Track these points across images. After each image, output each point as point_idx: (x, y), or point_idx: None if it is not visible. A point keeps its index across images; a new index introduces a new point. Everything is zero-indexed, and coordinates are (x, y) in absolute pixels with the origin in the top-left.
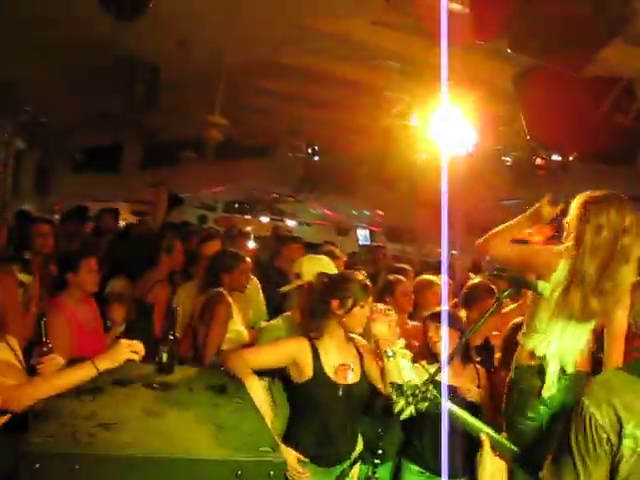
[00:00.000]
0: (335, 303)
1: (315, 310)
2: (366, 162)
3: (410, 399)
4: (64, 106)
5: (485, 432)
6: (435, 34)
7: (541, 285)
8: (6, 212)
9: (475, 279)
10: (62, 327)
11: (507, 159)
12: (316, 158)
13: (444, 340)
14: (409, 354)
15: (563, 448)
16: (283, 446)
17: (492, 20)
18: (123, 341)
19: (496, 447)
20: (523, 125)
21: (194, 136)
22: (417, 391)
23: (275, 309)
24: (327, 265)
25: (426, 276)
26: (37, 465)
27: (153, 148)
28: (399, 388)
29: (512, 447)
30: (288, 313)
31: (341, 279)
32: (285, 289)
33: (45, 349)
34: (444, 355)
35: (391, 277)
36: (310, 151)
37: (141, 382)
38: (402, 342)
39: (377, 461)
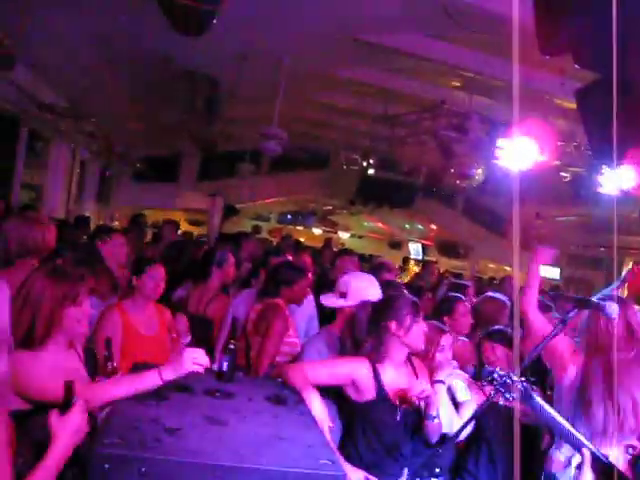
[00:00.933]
0: (393, 324)
1: (374, 333)
2: (422, 176)
3: (499, 386)
4: (127, 117)
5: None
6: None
7: (610, 307)
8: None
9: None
10: (116, 329)
11: (565, 175)
12: (371, 171)
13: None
14: (463, 374)
15: None
16: (350, 466)
17: (558, 34)
18: (188, 351)
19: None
20: (584, 139)
21: (251, 148)
22: (508, 379)
23: (324, 322)
24: (373, 291)
25: (492, 294)
26: (107, 466)
27: (211, 159)
28: (490, 373)
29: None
30: (328, 327)
31: (393, 300)
32: (329, 305)
33: (110, 368)
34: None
35: (451, 296)
36: (365, 164)
37: (202, 389)
38: (454, 364)
39: None
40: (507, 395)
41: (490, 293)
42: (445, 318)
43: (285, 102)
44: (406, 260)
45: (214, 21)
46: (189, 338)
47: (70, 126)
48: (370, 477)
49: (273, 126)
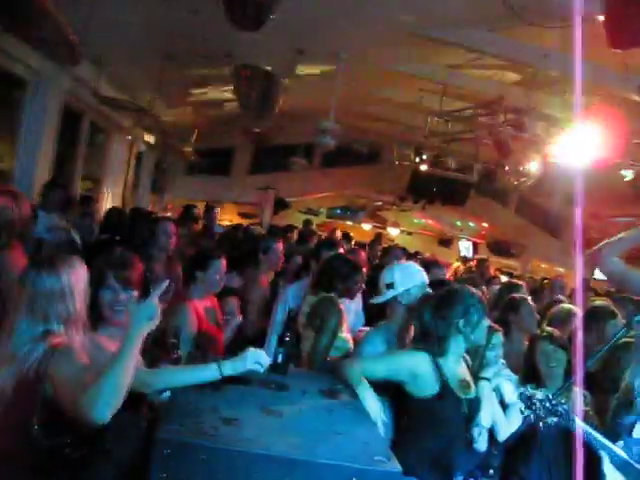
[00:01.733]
0: (462, 322)
1: (439, 329)
2: (476, 173)
3: (540, 411)
4: (182, 111)
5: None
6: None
7: None
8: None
9: (597, 301)
10: (190, 321)
11: (626, 174)
12: (424, 167)
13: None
14: (513, 376)
15: None
16: None
17: (630, 27)
18: (250, 350)
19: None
20: None
21: (304, 142)
22: (548, 404)
23: (371, 316)
24: (419, 274)
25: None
26: (168, 451)
27: (263, 153)
28: (529, 399)
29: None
30: (384, 322)
31: (463, 296)
32: (377, 301)
33: (175, 356)
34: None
35: (517, 295)
36: (418, 160)
37: (257, 381)
38: (503, 363)
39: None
40: (549, 420)
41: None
42: (511, 317)
43: (340, 96)
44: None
45: (271, 16)
46: (240, 318)
47: (129, 120)
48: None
49: (329, 120)
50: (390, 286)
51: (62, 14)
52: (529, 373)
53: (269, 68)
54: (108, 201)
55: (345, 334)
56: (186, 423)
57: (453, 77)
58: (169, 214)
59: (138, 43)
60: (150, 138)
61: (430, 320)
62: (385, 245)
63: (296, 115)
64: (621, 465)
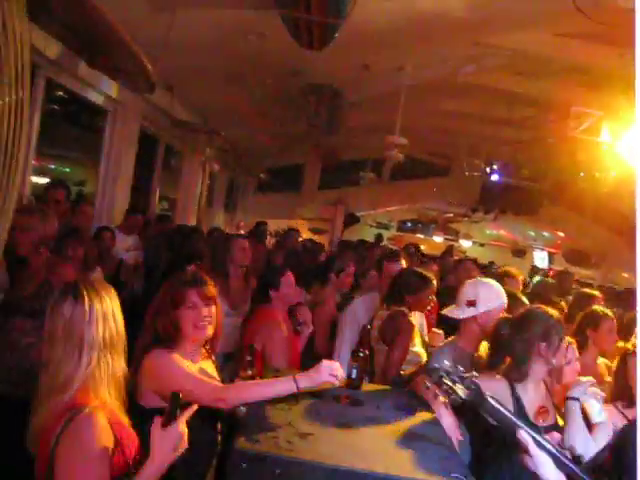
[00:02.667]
0: (543, 346)
1: (518, 352)
2: (549, 181)
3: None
4: (254, 131)
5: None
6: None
7: None
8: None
9: None
10: (279, 339)
11: None
12: (494, 177)
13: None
14: (600, 393)
15: None
16: None
17: None
18: (325, 362)
19: None
20: None
21: (373, 156)
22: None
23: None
24: (502, 296)
25: None
26: (244, 464)
27: (332, 168)
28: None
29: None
30: (453, 339)
31: (545, 319)
32: (457, 316)
33: (250, 373)
34: None
35: (599, 309)
36: (488, 170)
37: (331, 395)
38: (591, 380)
39: None
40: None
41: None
42: (589, 332)
43: (407, 109)
44: (534, 269)
45: (336, 35)
46: (311, 328)
47: (202, 141)
48: None
49: (395, 134)
50: (471, 303)
51: (138, 45)
52: (620, 391)
53: (335, 85)
54: (183, 220)
55: (417, 348)
56: (262, 436)
57: (521, 84)
58: (241, 232)
59: (208, 67)
60: (222, 159)
61: (508, 342)
62: (457, 257)
63: (363, 130)
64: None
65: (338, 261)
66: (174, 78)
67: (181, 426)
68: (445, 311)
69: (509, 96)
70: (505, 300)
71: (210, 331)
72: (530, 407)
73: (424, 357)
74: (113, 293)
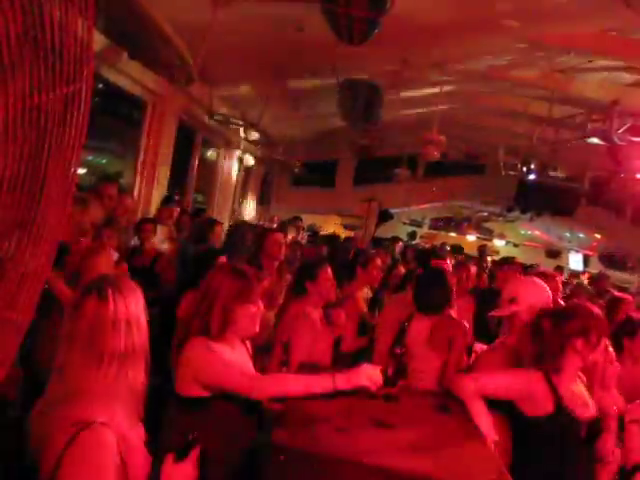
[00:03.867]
0: (580, 342)
1: (555, 348)
2: (587, 182)
3: None
4: (289, 125)
5: None
6: None
7: None
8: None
9: None
10: (306, 332)
11: None
12: (531, 177)
13: None
14: None
15: None
16: None
17: None
18: (365, 366)
19: None
20: None
21: (407, 153)
22: None
23: (489, 332)
24: (544, 291)
25: None
26: (282, 457)
27: (366, 164)
28: None
29: None
30: (502, 338)
31: (586, 316)
32: (499, 314)
33: (284, 370)
34: None
35: (635, 317)
36: (525, 169)
37: (366, 392)
38: None
39: None
40: None
41: None
42: (625, 340)
43: (444, 106)
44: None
45: (377, 30)
46: (342, 331)
47: (238, 135)
48: None
49: (432, 131)
50: (513, 301)
51: (179, 38)
52: None
53: (374, 80)
54: (218, 214)
55: None
56: (301, 432)
57: (562, 82)
58: (274, 226)
59: (246, 61)
60: (258, 152)
61: (546, 335)
62: (490, 257)
63: (400, 126)
64: None
65: (363, 254)
66: (213, 71)
67: (193, 463)
68: (492, 312)
69: (550, 93)
70: (549, 295)
71: (252, 327)
72: (569, 398)
73: (464, 360)
74: (140, 295)
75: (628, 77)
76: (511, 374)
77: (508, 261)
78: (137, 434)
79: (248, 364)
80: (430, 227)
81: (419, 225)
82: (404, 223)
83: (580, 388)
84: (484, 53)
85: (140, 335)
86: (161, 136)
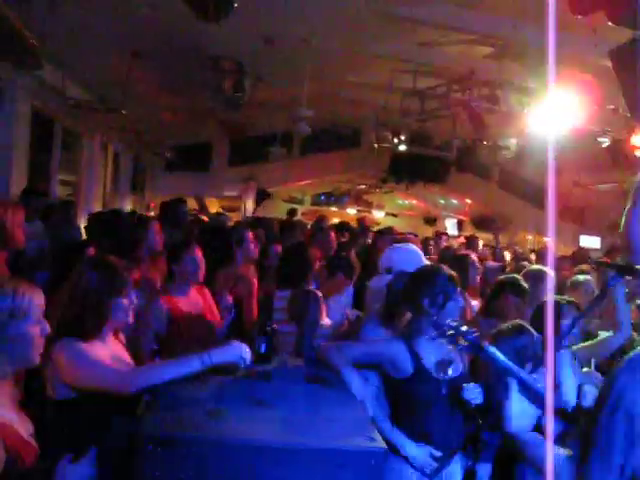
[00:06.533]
0: (426, 302)
1: (407, 309)
2: (455, 150)
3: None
4: (157, 108)
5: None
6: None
7: None
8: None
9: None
10: (161, 316)
11: (604, 140)
12: (403, 148)
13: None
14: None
15: None
16: (412, 443)
17: None
18: (234, 343)
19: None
20: (623, 102)
21: (281, 131)
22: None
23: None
24: (418, 257)
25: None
26: (151, 447)
27: (241, 145)
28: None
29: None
30: (380, 305)
31: (426, 275)
32: (376, 284)
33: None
34: None
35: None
36: (397, 141)
37: (241, 372)
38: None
39: (476, 453)
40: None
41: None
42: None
43: (313, 82)
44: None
45: (235, 5)
46: (232, 315)
47: (100, 121)
48: (435, 451)
49: (302, 107)
50: (389, 271)
51: (17, 18)
52: None
53: (239, 58)
54: (88, 204)
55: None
56: (170, 418)
57: (424, 55)
58: (152, 213)
59: (102, 42)
60: (125, 138)
61: (401, 302)
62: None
63: (270, 104)
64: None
65: (234, 232)
66: (64, 54)
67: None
68: (371, 282)
69: (414, 67)
70: (421, 261)
71: (126, 319)
72: (428, 361)
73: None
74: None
75: (484, 49)
76: (373, 343)
77: (382, 232)
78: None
79: (122, 358)
80: (311, 203)
81: (300, 202)
82: (284, 201)
83: (444, 348)
84: (346, 29)
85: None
86: (13, 125)
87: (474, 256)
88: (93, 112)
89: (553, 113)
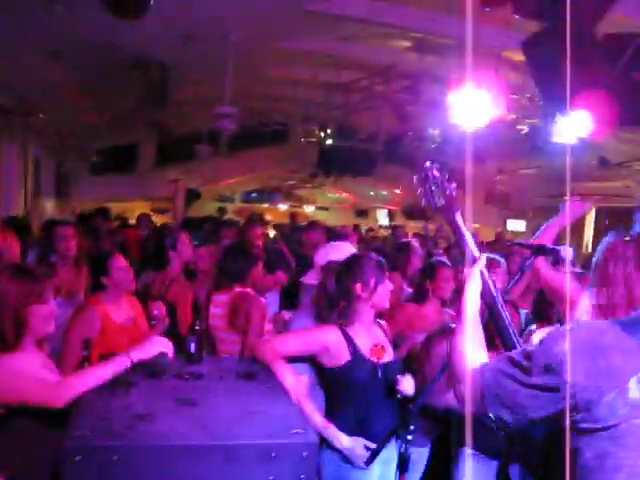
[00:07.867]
0: (358, 287)
1: (339, 298)
2: (381, 142)
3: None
4: (78, 110)
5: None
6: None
7: (564, 251)
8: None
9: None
10: (93, 326)
11: (523, 127)
12: (329, 142)
13: None
14: None
15: None
16: (343, 434)
17: None
18: (155, 338)
19: None
20: (536, 91)
21: (208, 129)
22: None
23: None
24: (351, 250)
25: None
26: (78, 458)
27: (168, 145)
28: None
29: None
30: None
31: (357, 261)
32: (308, 281)
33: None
34: None
35: (434, 261)
36: (323, 135)
37: (172, 374)
38: None
39: (409, 437)
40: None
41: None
42: (428, 284)
43: (236, 79)
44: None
45: (151, 2)
46: (167, 323)
47: (18, 124)
48: (368, 443)
49: (225, 104)
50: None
51: None
52: None
53: (159, 57)
54: (7, 210)
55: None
56: (96, 427)
57: (345, 49)
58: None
59: (17, 41)
60: (45, 142)
61: (333, 290)
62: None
63: (195, 102)
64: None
65: (168, 237)
66: None
67: None
68: (304, 278)
69: (336, 61)
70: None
71: (47, 328)
72: (364, 346)
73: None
74: None
75: (404, 42)
76: (307, 332)
77: (312, 226)
78: None
79: (47, 369)
80: (242, 201)
81: (231, 200)
82: (215, 200)
83: (377, 334)
84: (267, 25)
85: None
86: None
87: (415, 243)
88: (9, 115)
89: (471, 103)
